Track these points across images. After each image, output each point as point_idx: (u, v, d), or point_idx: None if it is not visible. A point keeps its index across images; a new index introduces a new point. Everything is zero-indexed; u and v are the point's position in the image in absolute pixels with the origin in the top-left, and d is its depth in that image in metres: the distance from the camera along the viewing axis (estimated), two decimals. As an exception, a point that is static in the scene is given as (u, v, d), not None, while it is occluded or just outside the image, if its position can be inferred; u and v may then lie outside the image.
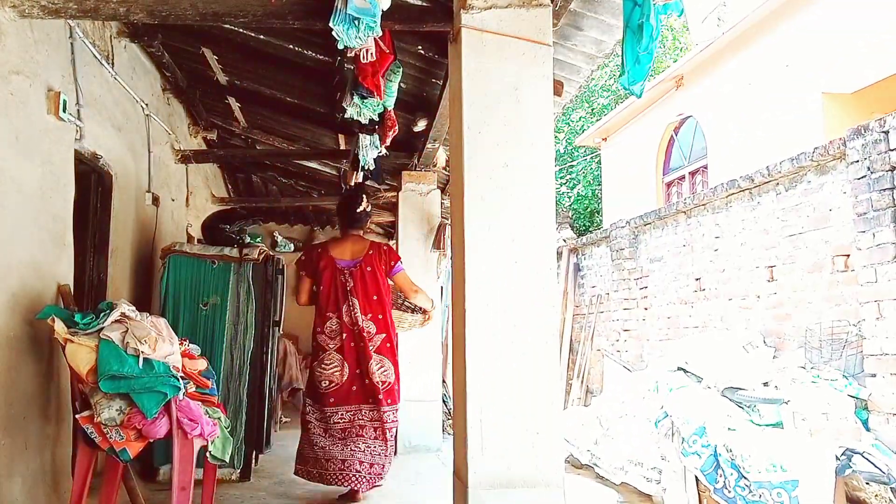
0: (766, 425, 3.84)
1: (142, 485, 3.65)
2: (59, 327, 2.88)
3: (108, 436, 2.82)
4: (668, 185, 10.09)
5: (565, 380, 7.69)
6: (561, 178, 15.44)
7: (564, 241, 8.55)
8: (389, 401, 3.97)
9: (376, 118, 3.86)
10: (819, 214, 4.30)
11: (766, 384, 4.14)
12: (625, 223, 6.90)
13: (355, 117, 3.68)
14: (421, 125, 4.75)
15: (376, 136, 4.39)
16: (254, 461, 4.53)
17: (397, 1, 2.80)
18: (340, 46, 2.78)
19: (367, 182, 5.35)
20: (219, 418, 3.31)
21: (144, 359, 2.89)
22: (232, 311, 4.37)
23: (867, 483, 3.43)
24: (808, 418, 3.65)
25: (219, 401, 3.55)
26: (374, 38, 2.81)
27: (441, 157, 5.54)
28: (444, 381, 6.60)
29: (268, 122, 6.30)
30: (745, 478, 3.52)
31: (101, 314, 3.01)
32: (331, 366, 3.96)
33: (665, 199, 9.96)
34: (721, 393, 4.22)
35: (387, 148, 4.55)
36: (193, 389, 3.21)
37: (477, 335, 2.48)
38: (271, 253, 4.87)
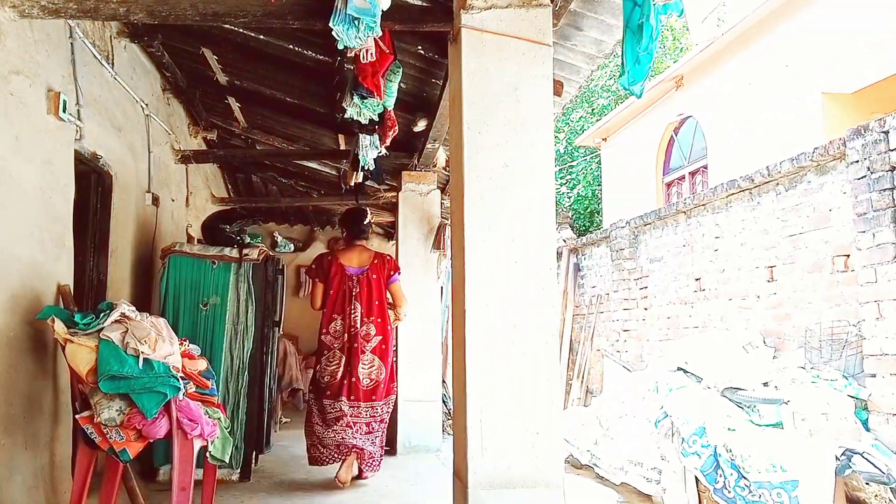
0: (766, 425, 3.83)
1: (142, 485, 3.65)
2: (59, 327, 2.89)
3: (108, 436, 2.83)
4: (668, 185, 10.08)
5: (565, 380, 7.68)
6: (561, 178, 15.43)
7: (564, 241, 8.54)
8: (374, 397, 4.43)
9: (376, 118, 3.86)
10: (819, 214, 4.30)
11: (765, 384, 4.13)
12: (625, 223, 6.90)
13: (355, 117, 3.69)
14: (421, 125, 4.75)
15: (376, 137, 4.39)
16: (254, 461, 4.52)
17: (397, 1, 2.80)
18: (340, 46, 2.78)
19: (367, 182, 5.36)
20: (219, 418, 3.31)
21: (144, 359, 2.90)
22: (232, 312, 4.38)
23: (867, 483, 3.43)
24: (808, 418, 3.65)
25: (218, 401, 3.55)
26: (374, 39, 2.82)
27: (441, 157, 5.53)
28: (444, 381, 6.59)
29: (268, 123, 6.30)
30: (745, 478, 3.52)
31: (101, 314, 3.01)
32: (332, 363, 4.40)
33: (665, 200, 9.95)
34: (721, 393, 4.22)
35: (387, 148, 4.55)
36: (193, 390, 3.21)
37: (477, 335, 2.48)
38: (271, 253, 4.87)
